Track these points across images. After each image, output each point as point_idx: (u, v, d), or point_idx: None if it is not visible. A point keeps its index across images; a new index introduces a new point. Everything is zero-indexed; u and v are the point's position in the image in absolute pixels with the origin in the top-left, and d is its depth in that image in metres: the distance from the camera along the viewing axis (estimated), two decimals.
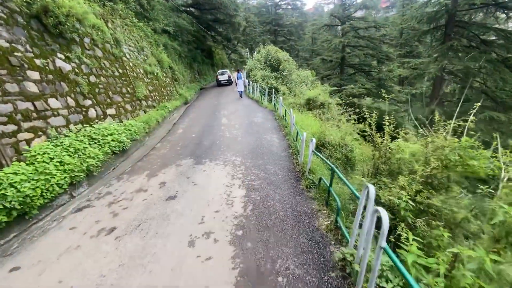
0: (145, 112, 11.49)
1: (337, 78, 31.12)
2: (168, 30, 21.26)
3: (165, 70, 16.59)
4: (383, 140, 5.00)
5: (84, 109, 7.87)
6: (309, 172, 4.86)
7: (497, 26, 18.18)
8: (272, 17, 49.02)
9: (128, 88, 10.80)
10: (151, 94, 13.05)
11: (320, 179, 4.26)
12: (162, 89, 14.92)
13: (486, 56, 16.54)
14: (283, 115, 9.42)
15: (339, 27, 38.99)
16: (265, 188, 4.77)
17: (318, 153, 4.58)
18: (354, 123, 8.47)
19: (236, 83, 18.17)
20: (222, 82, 26.44)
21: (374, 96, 31.57)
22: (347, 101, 12.44)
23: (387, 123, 5.23)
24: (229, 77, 26.48)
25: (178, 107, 15.17)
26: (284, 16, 52.60)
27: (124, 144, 7.80)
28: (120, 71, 10.65)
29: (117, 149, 7.51)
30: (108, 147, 7.23)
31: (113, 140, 7.52)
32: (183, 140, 8.28)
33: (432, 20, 19.95)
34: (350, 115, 12.05)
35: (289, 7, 52.07)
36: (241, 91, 17.02)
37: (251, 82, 18.70)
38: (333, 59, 31.57)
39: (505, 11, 17.03)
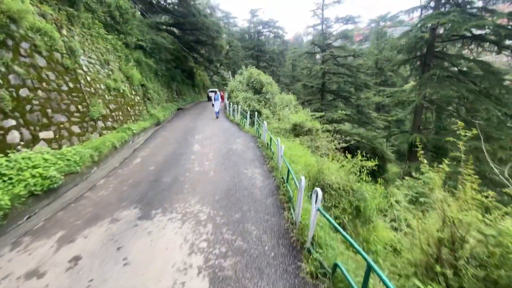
0: (100, 135, 9.29)
1: (318, 103, 30.58)
2: (143, 46, 19.51)
3: (135, 88, 14.57)
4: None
5: (1, 131, 5.67)
6: (312, 244, 3.02)
7: (475, 58, 18.31)
8: (254, 43, 49.20)
9: (80, 106, 8.66)
10: (113, 113, 10.91)
11: (336, 266, 2.43)
12: (129, 108, 12.80)
13: (468, 86, 16.29)
14: (267, 143, 7.74)
15: (319, 55, 39.52)
16: (243, 277, 2.85)
17: (329, 217, 2.73)
18: (348, 157, 6.93)
19: (213, 104, 17.52)
20: (211, 98, 24.95)
21: (354, 122, 31.25)
22: (336, 128, 11.07)
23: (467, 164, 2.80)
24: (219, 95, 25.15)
25: (146, 128, 13.04)
26: (266, 43, 53.17)
27: (52, 181, 5.57)
28: (71, 85, 8.56)
29: (40, 188, 5.28)
30: (24, 187, 5.00)
31: (33, 176, 5.30)
32: (136, 175, 6.20)
33: (412, 50, 19.88)
34: (339, 143, 10.65)
35: (271, 35, 52.82)
36: (217, 111, 16.84)
37: (231, 103, 17.09)
38: (314, 85, 31.18)
39: (480, 43, 17.22)
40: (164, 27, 26.99)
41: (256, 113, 17.16)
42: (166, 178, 5.78)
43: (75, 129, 8.03)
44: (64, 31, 9.24)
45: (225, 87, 31.97)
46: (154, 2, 27.06)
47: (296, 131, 9.81)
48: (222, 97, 21.08)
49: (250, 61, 45.55)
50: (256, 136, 9.54)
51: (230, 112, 16.33)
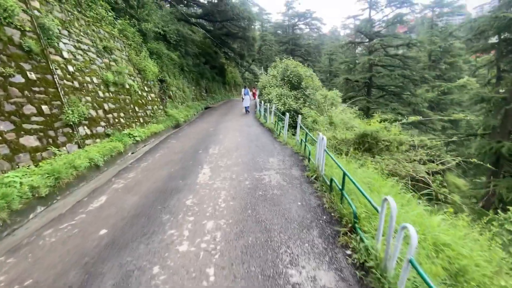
0: (80, 147, 6.47)
1: (364, 101, 25.75)
2: (166, 37, 16.87)
3: (149, 83, 11.82)
4: None
5: None
6: None
7: None
8: (289, 37, 44.98)
9: (46, 106, 5.87)
10: (109, 115, 8.11)
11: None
12: (137, 108, 10.01)
13: None
14: (331, 181, 3.91)
15: (360, 48, 34.15)
16: None
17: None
18: None
19: (242, 98, 16.32)
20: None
21: (407, 123, 25.77)
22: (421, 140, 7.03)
23: None
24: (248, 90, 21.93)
25: (158, 133, 10.17)
26: (302, 36, 48.55)
27: None
28: (34, 76, 5.81)
29: None
30: None
31: None
32: (59, 254, 2.91)
33: (503, 29, 14.44)
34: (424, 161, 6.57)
35: (307, 28, 48.07)
36: (247, 106, 16.06)
37: (263, 102, 13.61)
38: (359, 79, 26.29)
39: None
40: (193, 19, 24.36)
41: (294, 114, 13.48)
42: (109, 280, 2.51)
43: (29, 141, 5.20)
44: (35, 3, 6.50)
45: (256, 84, 28.61)
46: None
47: (366, 145, 6.07)
48: (254, 94, 17.71)
49: (284, 56, 41.58)
50: (301, 153, 5.91)
51: (260, 113, 12.85)
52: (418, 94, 27.31)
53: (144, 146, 8.87)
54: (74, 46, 7.65)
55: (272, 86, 15.56)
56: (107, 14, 10.29)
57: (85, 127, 7.02)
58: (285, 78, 15.72)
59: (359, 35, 29.27)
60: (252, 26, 26.29)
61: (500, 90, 18.33)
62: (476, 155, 21.31)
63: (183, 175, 4.93)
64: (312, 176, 4.46)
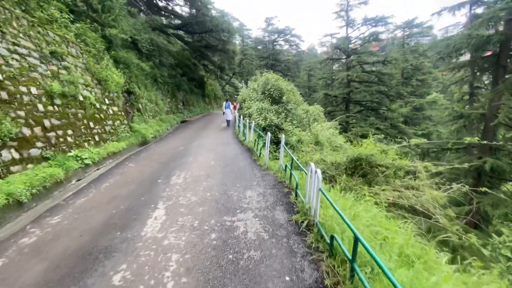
0: None
1: (343, 116, 25.58)
2: (138, 45, 15.46)
3: (112, 95, 10.26)
4: None
5: None
6: None
7: None
8: (269, 52, 45.03)
9: None
10: (50, 133, 6.50)
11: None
12: (92, 124, 8.40)
13: None
14: (332, 239, 2.69)
15: (337, 64, 34.69)
16: None
17: None
18: None
19: (223, 112, 16.07)
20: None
21: (385, 137, 25.82)
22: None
23: None
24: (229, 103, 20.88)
25: (117, 153, 8.58)
26: (281, 52, 48.92)
27: None
28: None
29: None
30: None
31: None
32: None
33: (479, 47, 14.63)
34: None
35: (287, 44, 48.52)
36: (229, 120, 15.85)
37: (242, 117, 12.44)
38: (338, 94, 26.20)
39: None
40: (171, 30, 23.14)
41: (276, 129, 12.45)
42: None
43: None
44: None
45: (236, 97, 27.68)
46: (160, 5, 23.41)
47: (360, 171, 5.03)
48: (235, 107, 16.62)
49: (264, 71, 41.30)
50: (286, 183, 4.81)
51: (239, 128, 11.64)
52: (394, 109, 27.72)
53: (97, 169, 7.26)
54: (8, 50, 6.08)
55: (252, 99, 14.53)
56: (61, 16, 8.80)
57: (12, 150, 5.38)
58: (266, 92, 14.77)
59: (336, 51, 29.57)
60: (232, 39, 25.54)
61: (475, 105, 18.59)
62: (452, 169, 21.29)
63: (125, 223, 3.48)
64: (302, 221, 3.28)
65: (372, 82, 26.41)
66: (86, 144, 7.75)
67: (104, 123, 9.11)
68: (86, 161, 6.89)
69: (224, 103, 16.08)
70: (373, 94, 26.58)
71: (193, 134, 12.79)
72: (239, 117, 13.17)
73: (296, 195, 3.92)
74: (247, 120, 10.77)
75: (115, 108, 10.24)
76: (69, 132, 7.22)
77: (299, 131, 8.16)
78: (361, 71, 25.33)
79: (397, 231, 3.16)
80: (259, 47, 47.35)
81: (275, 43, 46.62)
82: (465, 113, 15.08)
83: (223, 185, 4.76)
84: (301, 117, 13.41)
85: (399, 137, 26.72)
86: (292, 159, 4.21)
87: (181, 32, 25.12)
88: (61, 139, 6.86)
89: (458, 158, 19.36)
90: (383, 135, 23.96)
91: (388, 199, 4.50)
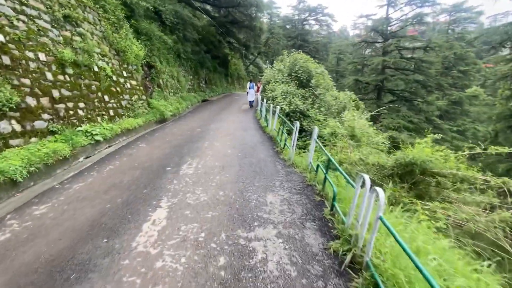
0: None
1: (374, 105, 23.53)
2: (162, 17, 14.56)
3: (131, 68, 9.60)
4: None
5: None
6: None
7: None
8: (298, 32, 42.19)
9: None
10: (59, 105, 5.96)
11: None
12: (107, 97, 7.83)
13: None
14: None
15: (373, 47, 31.63)
16: None
17: None
18: None
19: (247, 92, 15.60)
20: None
21: (416, 132, 23.58)
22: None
23: None
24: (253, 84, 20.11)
25: (132, 130, 8.03)
26: (311, 33, 45.75)
27: None
28: None
29: None
30: None
31: None
32: None
33: None
34: None
35: (317, 24, 45.12)
36: (251, 101, 15.38)
37: (265, 100, 11.37)
38: (370, 81, 23.97)
39: None
40: (197, 3, 21.82)
41: (300, 116, 11.33)
42: None
43: None
44: None
45: (260, 78, 26.43)
46: None
47: (410, 178, 3.89)
48: (258, 89, 15.58)
49: (292, 51, 39.03)
50: (317, 188, 3.74)
51: (261, 113, 10.61)
52: (431, 101, 25.08)
53: (108, 147, 6.74)
54: (13, 9, 5.43)
55: (277, 81, 13.33)
56: None
57: (13, 121, 4.87)
58: (293, 74, 13.48)
59: (372, 34, 26.73)
60: (260, 15, 23.78)
61: None
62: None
63: (116, 225, 2.78)
64: (344, 253, 2.38)
65: (409, 70, 23.80)
66: (99, 118, 7.21)
67: (121, 97, 8.52)
68: (97, 137, 6.35)
69: (248, 83, 15.47)
70: (409, 83, 24.06)
71: (212, 115, 12.02)
72: (262, 100, 12.12)
73: (333, 208, 2.99)
74: (270, 105, 9.73)
75: (134, 82, 9.60)
76: (81, 104, 6.66)
77: (335, 121, 6.96)
78: (400, 57, 22.73)
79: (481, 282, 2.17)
80: (288, 26, 44.50)
81: (304, 23, 43.53)
82: None
83: (240, 183, 3.93)
84: (329, 104, 12.09)
85: (434, 133, 24.40)
86: (329, 160, 3.22)
87: (207, 6, 23.73)
88: (71, 112, 6.32)
89: (501, 163, 17.22)
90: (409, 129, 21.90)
91: (448, 218, 3.45)
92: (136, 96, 9.51)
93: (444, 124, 25.99)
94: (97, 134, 6.40)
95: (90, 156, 5.96)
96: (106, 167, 4.67)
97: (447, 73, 33.10)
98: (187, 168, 4.45)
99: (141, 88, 10.08)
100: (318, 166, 3.78)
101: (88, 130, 6.30)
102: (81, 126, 6.36)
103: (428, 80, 22.42)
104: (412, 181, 3.93)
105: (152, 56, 12.19)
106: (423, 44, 23.12)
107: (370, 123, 10.21)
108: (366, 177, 2.18)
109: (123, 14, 9.65)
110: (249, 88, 15.24)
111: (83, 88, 6.89)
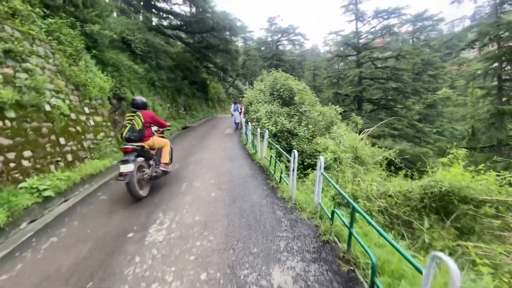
0: None
1: (356, 116, 23.42)
2: (132, 46, 13.74)
3: (95, 103, 8.43)
4: None
5: None
6: None
7: None
8: (273, 52, 43.07)
9: None
10: None
11: None
12: (64, 140, 6.58)
13: None
14: None
15: (346, 60, 32.48)
16: None
17: None
18: None
19: (232, 114, 15.49)
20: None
21: (402, 137, 23.56)
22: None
23: None
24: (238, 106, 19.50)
25: (96, 175, 6.74)
26: (285, 52, 46.90)
27: None
28: None
29: None
30: None
31: None
32: None
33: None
34: None
35: (290, 43, 46.43)
36: (237, 123, 14.84)
37: (248, 121, 10.51)
38: (350, 93, 24.09)
39: None
40: (169, 31, 21.38)
41: (287, 135, 10.53)
42: None
43: None
44: None
45: (241, 100, 25.98)
46: (158, 5, 21.61)
47: (443, 209, 2.99)
48: (241, 110, 14.90)
49: (269, 71, 39.37)
50: (344, 250, 2.54)
51: (247, 138, 9.63)
52: (410, 106, 25.50)
53: (64, 201, 5.42)
54: None
55: (259, 102, 12.61)
56: (27, 8, 7.01)
57: None
58: (275, 92, 12.85)
59: (344, 48, 27.39)
60: (234, 39, 23.68)
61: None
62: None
63: None
64: None
65: (385, 79, 24.25)
66: (52, 167, 5.90)
67: (82, 137, 7.26)
68: (46, 193, 5.03)
69: (232, 105, 15.37)
70: (387, 91, 24.42)
71: (193, 143, 10.90)
72: (246, 122, 11.26)
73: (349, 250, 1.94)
74: (257, 129, 8.80)
75: (99, 118, 8.40)
76: (26, 153, 5.37)
77: (336, 144, 5.98)
78: (375, 67, 23.15)
79: None
80: (262, 48, 45.43)
81: (278, 43, 44.67)
82: (506, 109, 12.85)
83: (230, 250, 2.76)
84: (316, 119, 11.43)
85: (417, 137, 24.54)
86: (353, 210, 2.18)
87: (181, 33, 23.39)
88: (12, 165, 5.02)
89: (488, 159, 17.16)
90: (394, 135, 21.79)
91: None
92: (102, 134, 8.27)
93: (425, 127, 26.32)
94: (46, 189, 5.09)
95: (36, 220, 4.62)
96: (47, 240, 3.39)
97: (418, 78, 34.48)
98: (156, 232, 3.26)
99: (109, 123, 8.88)
100: (334, 212, 2.77)
101: (34, 185, 4.99)
102: (25, 181, 5.05)
103: (405, 87, 22.81)
104: (453, 216, 3.03)
105: (121, 87, 11.15)
106: (395, 53, 23.80)
107: (361, 135, 9.55)
108: (450, 262, 1.21)
109: (83, 45, 8.64)
110: (234, 110, 14.94)
111: (30, 133, 5.63)
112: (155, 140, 5.41)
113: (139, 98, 5.56)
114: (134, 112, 5.19)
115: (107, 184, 6.06)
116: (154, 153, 5.43)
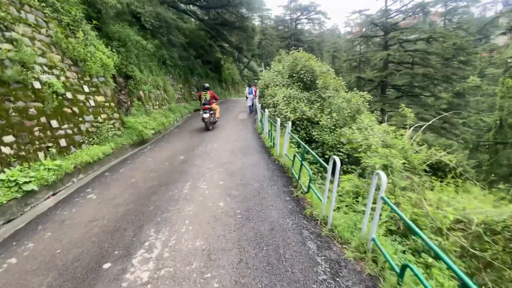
0: None
1: (379, 102, 21.57)
2: (141, 20, 12.53)
3: (96, 81, 7.48)
4: None
5: None
6: None
7: None
8: (291, 32, 40.30)
9: None
10: None
11: None
12: (57, 122, 5.74)
13: None
14: None
15: (370, 42, 29.72)
16: None
17: None
18: None
19: (246, 97, 14.74)
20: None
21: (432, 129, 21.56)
22: None
23: None
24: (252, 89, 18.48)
25: (93, 163, 5.92)
26: (304, 32, 43.85)
27: None
28: None
29: None
30: None
31: None
32: None
33: None
34: None
35: (310, 22, 43.20)
36: (251, 106, 14.30)
37: (266, 110, 9.32)
38: (374, 78, 22.00)
39: None
40: (182, 6, 19.78)
41: (308, 124, 9.33)
42: None
43: None
44: None
45: (256, 82, 24.45)
46: None
47: None
48: (255, 93, 13.72)
49: (286, 52, 37.08)
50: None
51: (263, 127, 8.40)
52: (438, 94, 23.18)
53: (53, 195, 4.64)
54: None
55: (277, 85, 11.28)
56: None
57: None
58: (294, 75, 11.44)
59: (372, 28, 24.77)
60: (251, 15, 21.78)
61: None
62: None
63: None
64: None
65: (413, 63, 21.88)
66: (41, 154, 5.09)
67: (79, 119, 6.40)
68: (27, 187, 4.23)
69: (247, 88, 14.44)
70: (414, 77, 22.15)
71: (204, 129, 9.92)
72: (262, 108, 10.04)
73: None
74: (274, 114, 7.62)
75: (100, 98, 7.49)
76: (7, 138, 4.55)
77: (382, 147, 4.52)
78: (404, 50, 20.80)
79: None
80: (280, 27, 42.58)
81: (297, 22, 41.64)
82: None
83: None
84: (340, 107, 10.05)
85: (444, 128, 22.45)
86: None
87: (195, 9, 21.71)
88: None
89: None
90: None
91: None
92: (104, 116, 7.39)
93: (453, 118, 24.06)
94: (28, 182, 4.29)
95: (12, 220, 3.85)
96: (17, 250, 2.55)
97: (447, 64, 31.33)
98: (140, 263, 2.32)
99: (112, 104, 7.97)
100: (406, 268, 1.71)
101: (13, 177, 4.18)
102: (4, 172, 4.25)
103: (435, 73, 20.50)
104: None
105: (129, 64, 10.13)
106: (427, 35, 21.21)
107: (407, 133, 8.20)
108: None
109: (82, 14, 7.55)
110: (248, 93, 14.08)
111: (13, 114, 4.78)
112: (213, 106, 10.04)
113: (206, 84, 10.40)
114: (205, 91, 9.75)
115: (101, 176, 5.19)
116: (213, 111, 10.17)
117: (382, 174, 2.05)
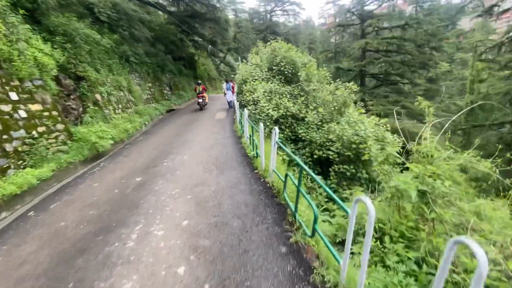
0: None
1: (360, 93, 21.19)
2: (95, 11, 10.76)
3: (30, 86, 5.88)
4: None
5: None
6: None
7: None
8: (266, 24, 39.04)
9: None
10: None
11: None
12: None
13: None
14: None
15: (346, 32, 29.37)
16: None
17: None
18: None
19: (224, 93, 14.38)
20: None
21: (406, 115, 21.55)
22: None
23: None
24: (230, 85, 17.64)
25: (25, 193, 4.48)
26: (279, 24, 42.74)
27: None
28: None
29: None
30: None
31: None
32: None
33: None
34: None
35: (285, 15, 42.13)
36: (230, 101, 13.86)
37: (243, 103, 8.13)
38: (353, 67, 21.50)
39: None
40: None
41: (292, 122, 8.33)
42: None
43: None
44: None
45: (233, 77, 23.10)
46: None
47: None
48: (233, 89, 12.55)
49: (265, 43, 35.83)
50: None
51: (243, 130, 7.16)
52: (415, 81, 23.24)
53: None
54: None
55: (256, 79, 10.13)
56: None
57: None
58: (274, 67, 10.34)
59: (348, 16, 24.20)
60: (223, 7, 20.25)
61: None
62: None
63: None
64: None
65: (391, 51, 21.65)
66: None
67: (3, 137, 4.86)
68: None
69: (225, 84, 14.28)
70: (392, 64, 21.98)
71: (174, 134, 8.60)
72: (241, 107, 8.88)
73: None
74: (260, 123, 6.46)
75: (36, 107, 5.92)
76: None
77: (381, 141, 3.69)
78: (381, 38, 20.45)
79: None
80: (255, 20, 41.12)
81: (272, 14, 40.41)
82: None
83: None
84: (325, 100, 9.14)
85: (421, 114, 22.66)
86: None
87: (161, 0, 19.74)
88: None
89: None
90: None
91: None
92: (42, 129, 5.85)
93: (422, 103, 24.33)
94: None
95: None
96: None
97: (419, 50, 31.82)
98: None
99: (54, 113, 6.40)
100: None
101: None
102: None
103: (413, 59, 20.39)
104: None
105: (79, 63, 8.47)
106: (402, 22, 21.00)
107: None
108: None
109: (6, 3, 5.87)
110: (226, 89, 13.83)
111: None
112: (204, 94, 13.87)
113: (199, 81, 15.19)
114: (199, 85, 13.86)
115: (22, 219, 3.71)
116: (205, 97, 13.90)
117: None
